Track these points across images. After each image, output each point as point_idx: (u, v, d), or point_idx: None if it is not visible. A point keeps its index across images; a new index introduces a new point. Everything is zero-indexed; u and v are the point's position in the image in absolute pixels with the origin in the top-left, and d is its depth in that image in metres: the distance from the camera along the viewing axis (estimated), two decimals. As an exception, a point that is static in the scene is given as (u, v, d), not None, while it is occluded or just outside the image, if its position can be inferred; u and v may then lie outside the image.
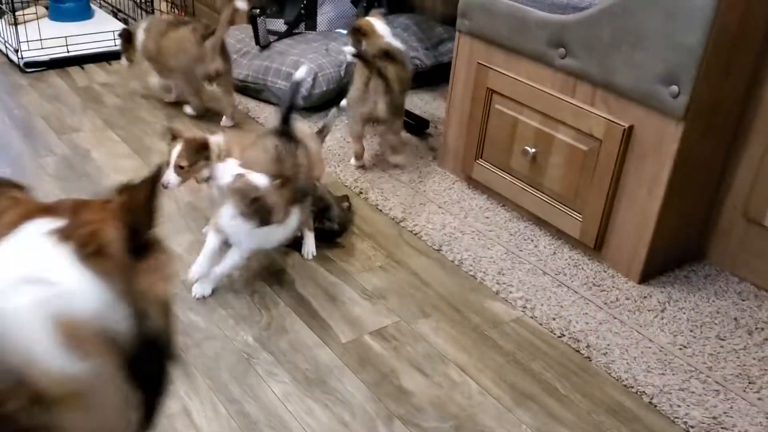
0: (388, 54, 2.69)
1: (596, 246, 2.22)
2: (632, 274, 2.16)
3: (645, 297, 2.11)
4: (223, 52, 2.91)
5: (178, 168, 2.02)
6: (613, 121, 2.06)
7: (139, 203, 0.84)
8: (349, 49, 2.69)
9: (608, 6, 2.03)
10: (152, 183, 0.84)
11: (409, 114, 3.17)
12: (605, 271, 2.21)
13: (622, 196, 2.13)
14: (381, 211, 2.48)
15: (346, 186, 2.61)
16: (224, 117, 3.03)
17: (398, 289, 2.09)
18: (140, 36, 3.02)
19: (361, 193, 2.58)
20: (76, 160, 2.67)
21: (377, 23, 2.80)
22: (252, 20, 3.35)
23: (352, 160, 2.80)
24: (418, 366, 1.81)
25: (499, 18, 2.34)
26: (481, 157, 2.55)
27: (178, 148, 2.02)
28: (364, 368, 1.79)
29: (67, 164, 2.64)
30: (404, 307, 2.02)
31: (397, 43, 2.78)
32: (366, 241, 2.31)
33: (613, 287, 2.14)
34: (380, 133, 2.84)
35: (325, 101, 3.12)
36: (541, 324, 1.98)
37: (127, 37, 3.09)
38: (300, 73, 2.23)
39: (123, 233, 0.81)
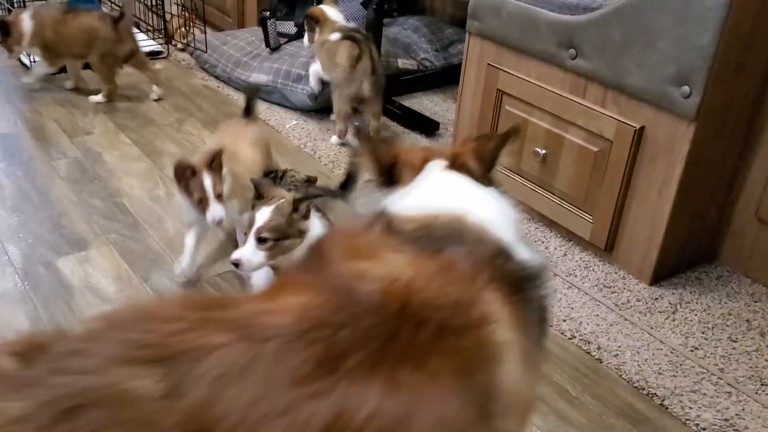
0: (354, 37, 2.82)
1: (607, 247, 2.22)
2: (643, 276, 2.15)
3: (656, 298, 2.10)
4: (132, 33, 3.17)
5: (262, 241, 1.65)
6: (624, 122, 2.05)
7: (487, 149, 1.19)
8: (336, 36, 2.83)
9: (619, 6, 2.02)
10: (503, 139, 1.19)
11: (419, 115, 3.17)
12: (616, 273, 2.20)
13: (633, 198, 2.12)
14: (391, 212, 2.48)
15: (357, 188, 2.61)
16: (154, 87, 3.26)
17: (408, 290, 2.09)
18: (27, 25, 3.03)
19: (371, 194, 2.58)
20: (87, 162, 2.69)
21: (329, 10, 2.96)
22: (262, 22, 3.36)
23: (334, 138, 2.92)
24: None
25: (510, 19, 2.34)
26: (491, 159, 2.55)
27: (267, 212, 1.65)
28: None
29: (79, 167, 2.66)
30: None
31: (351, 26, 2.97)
32: (376, 242, 2.31)
33: (624, 289, 2.13)
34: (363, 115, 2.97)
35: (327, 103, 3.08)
36: (551, 326, 1.97)
37: (3, 27, 3.05)
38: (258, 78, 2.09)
39: (477, 164, 1.18)
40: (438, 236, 0.99)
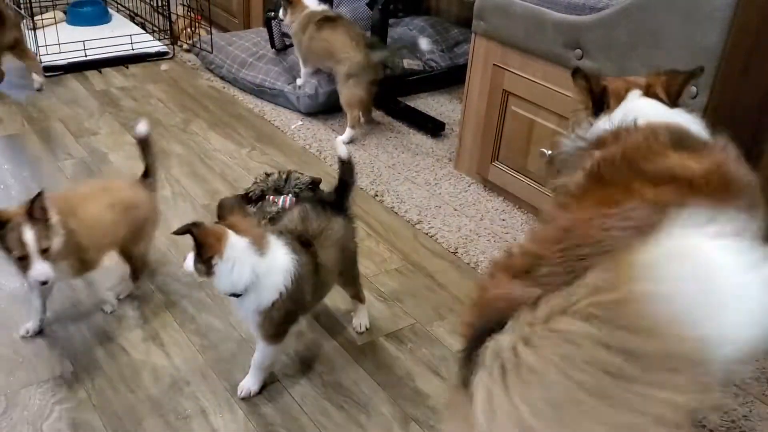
0: (329, 18, 2.96)
1: (613, 248, 2.20)
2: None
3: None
4: (17, 25, 3.22)
5: None
6: (631, 123, 2.03)
7: (675, 83, 1.47)
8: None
9: (625, 6, 2.01)
10: (690, 76, 1.47)
11: (424, 116, 3.17)
12: (623, 274, 2.19)
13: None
14: (397, 213, 2.48)
15: (362, 189, 2.61)
16: (34, 75, 3.27)
17: (414, 291, 2.09)
18: None
19: (376, 195, 2.58)
20: (94, 162, 2.69)
21: None
22: (267, 23, 3.36)
23: (346, 134, 2.93)
24: (434, 368, 1.80)
25: (516, 19, 2.33)
26: (497, 159, 2.54)
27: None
28: (379, 370, 1.79)
29: (85, 167, 2.66)
30: (420, 309, 2.02)
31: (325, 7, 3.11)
32: (381, 243, 2.31)
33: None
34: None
35: (334, 102, 3.08)
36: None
37: None
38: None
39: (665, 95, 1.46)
40: (682, 138, 1.30)
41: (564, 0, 2.19)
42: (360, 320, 1.92)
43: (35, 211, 1.58)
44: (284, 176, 2.33)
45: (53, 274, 1.61)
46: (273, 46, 3.41)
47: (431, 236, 2.35)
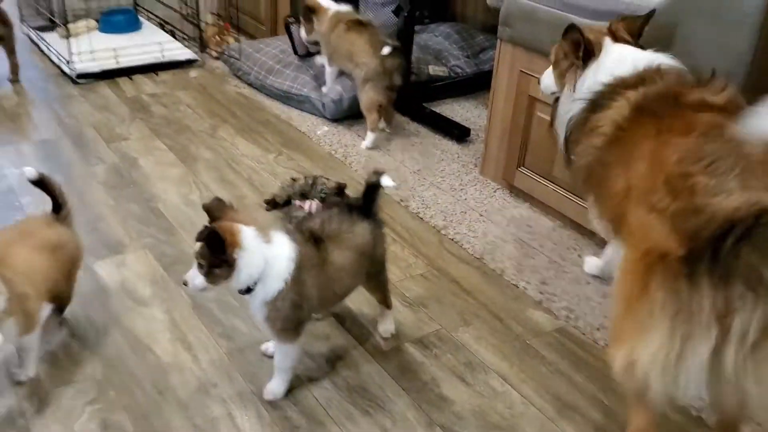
0: (359, 22, 3.00)
1: (641, 255, 2.18)
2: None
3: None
4: (4, 20, 3.42)
5: None
6: (659, 129, 2.01)
7: (635, 26, 1.82)
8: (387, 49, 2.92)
9: (653, 12, 2.00)
10: (646, 19, 1.83)
11: (450, 122, 3.17)
12: (650, 281, 2.17)
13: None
14: (422, 219, 2.48)
15: (387, 194, 2.61)
16: (10, 74, 3.50)
17: (439, 297, 2.09)
18: None
19: (402, 201, 2.59)
20: (124, 167, 2.74)
21: None
22: (287, 28, 3.39)
23: (368, 140, 2.97)
24: (460, 374, 1.80)
25: (541, 25, 2.33)
26: (523, 165, 2.54)
27: None
28: (404, 376, 1.79)
29: (116, 172, 2.71)
30: (445, 315, 2.02)
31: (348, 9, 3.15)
32: (407, 248, 2.32)
33: (659, 297, 2.10)
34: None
35: (359, 107, 3.09)
36: (584, 334, 1.95)
37: None
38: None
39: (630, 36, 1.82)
40: (690, 77, 1.65)
41: (590, 6, 2.19)
42: (386, 326, 1.92)
43: None
44: (310, 181, 2.35)
45: (2, 338, 1.46)
46: (295, 52, 3.44)
47: (456, 242, 2.35)
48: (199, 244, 1.49)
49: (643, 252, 1.39)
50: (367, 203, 1.73)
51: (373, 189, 1.72)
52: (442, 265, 2.24)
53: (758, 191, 1.26)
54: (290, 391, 1.72)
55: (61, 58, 3.64)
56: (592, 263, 2.21)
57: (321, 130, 3.12)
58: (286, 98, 3.35)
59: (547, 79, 1.97)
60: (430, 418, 1.67)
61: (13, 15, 4.34)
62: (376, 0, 3.43)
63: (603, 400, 1.74)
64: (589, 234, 2.35)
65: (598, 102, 1.71)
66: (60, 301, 1.83)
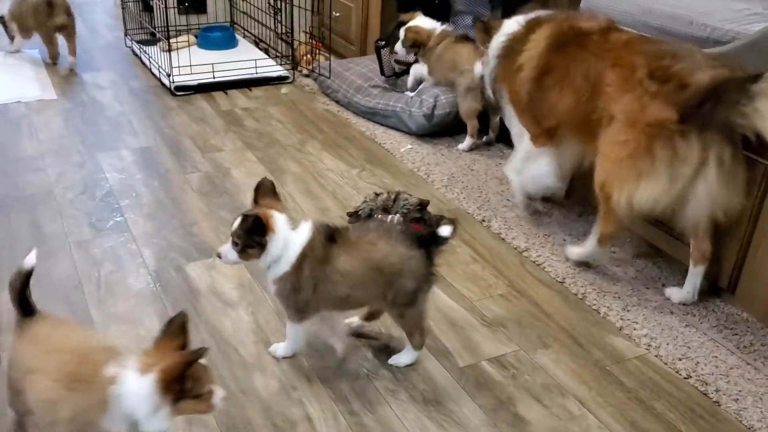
0: (465, 37, 3.20)
1: (729, 287, 2.12)
2: (769, 320, 2.07)
3: (783, 345, 1.99)
4: (68, 12, 3.99)
5: None
6: (757, 159, 1.98)
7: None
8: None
9: (755, 39, 1.96)
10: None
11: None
12: (738, 314, 2.10)
13: (761, 237, 2.02)
14: (503, 239, 2.49)
15: (469, 213, 2.64)
16: (69, 57, 4.01)
17: (519, 318, 2.09)
18: (11, 6, 4.06)
19: (483, 221, 2.60)
20: (217, 177, 2.87)
21: (421, 20, 3.30)
22: (377, 51, 3.48)
23: (466, 143, 3.15)
24: (536, 396, 1.79)
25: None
26: (608, 191, 2.53)
27: None
28: (481, 393, 1.80)
29: (209, 181, 2.83)
30: (524, 336, 2.01)
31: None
32: (487, 268, 2.32)
33: (747, 331, 2.03)
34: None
35: (446, 124, 3.24)
36: (666, 363, 1.91)
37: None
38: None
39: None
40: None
41: (689, 33, 2.16)
42: (399, 358, 1.88)
43: None
44: (393, 197, 2.40)
45: None
46: (382, 73, 3.53)
47: (538, 264, 2.34)
48: (237, 225, 1.69)
49: (645, 124, 1.93)
50: (426, 240, 1.74)
51: (431, 237, 1.73)
52: (523, 287, 2.23)
53: (716, 68, 1.86)
54: (367, 399, 1.76)
55: (161, 71, 3.84)
56: (675, 293, 2.16)
57: (405, 148, 3.18)
58: (372, 114, 3.43)
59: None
60: (505, 436, 1.67)
61: (118, 28, 4.64)
62: (466, 23, 3.48)
63: (681, 430, 1.69)
64: (675, 262, 2.30)
65: (509, 51, 2.41)
66: None
